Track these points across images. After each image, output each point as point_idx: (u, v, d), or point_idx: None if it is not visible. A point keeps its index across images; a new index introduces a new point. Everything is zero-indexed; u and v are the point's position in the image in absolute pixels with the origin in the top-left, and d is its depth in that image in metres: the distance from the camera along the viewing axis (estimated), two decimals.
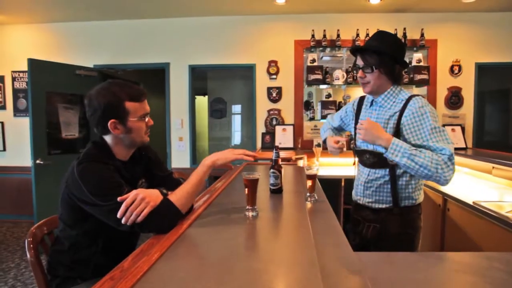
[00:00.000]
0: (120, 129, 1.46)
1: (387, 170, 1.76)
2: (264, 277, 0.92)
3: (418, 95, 1.72)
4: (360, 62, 1.76)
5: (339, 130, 2.21)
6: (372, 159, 1.80)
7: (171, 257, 1.06)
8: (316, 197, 1.79)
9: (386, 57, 1.69)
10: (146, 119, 1.53)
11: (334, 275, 0.92)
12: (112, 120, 1.43)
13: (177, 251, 1.11)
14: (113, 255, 1.41)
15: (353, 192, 1.99)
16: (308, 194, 1.78)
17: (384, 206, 1.79)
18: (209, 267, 0.99)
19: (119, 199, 1.28)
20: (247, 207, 1.46)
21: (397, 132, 1.70)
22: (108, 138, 1.51)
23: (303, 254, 1.05)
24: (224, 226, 1.35)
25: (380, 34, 1.77)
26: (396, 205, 1.77)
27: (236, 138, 5.92)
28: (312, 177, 1.78)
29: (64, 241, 1.48)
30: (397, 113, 1.71)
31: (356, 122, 1.93)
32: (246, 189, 1.45)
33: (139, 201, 1.29)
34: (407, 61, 4.37)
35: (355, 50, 1.80)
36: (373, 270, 1.01)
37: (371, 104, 1.86)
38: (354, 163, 2.01)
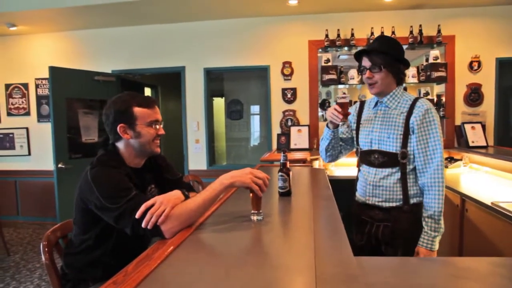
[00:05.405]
0: (129, 134, 1.53)
1: (397, 168, 1.77)
2: (259, 282, 0.94)
3: (422, 97, 1.83)
4: (366, 63, 1.79)
5: (342, 140, 2.06)
6: (381, 158, 1.81)
7: (173, 262, 1.09)
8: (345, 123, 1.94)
9: (391, 57, 1.76)
10: (157, 127, 1.58)
11: (331, 280, 0.93)
12: (121, 125, 1.52)
13: (179, 256, 1.13)
14: (124, 256, 1.44)
15: (358, 193, 1.98)
16: (341, 122, 1.83)
17: (394, 204, 1.79)
18: (207, 273, 1.01)
19: (143, 207, 1.31)
20: (252, 211, 1.48)
21: (406, 131, 1.75)
22: (120, 145, 1.58)
23: (302, 259, 1.06)
24: (228, 231, 1.37)
25: (382, 38, 1.92)
26: (407, 203, 1.78)
27: (255, 139, 5.94)
28: (344, 105, 1.81)
29: (76, 244, 1.54)
30: (405, 114, 1.77)
31: (359, 123, 1.97)
32: (251, 193, 1.47)
33: (159, 204, 1.32)
34: (424, 58, 4.35)
35: (362, 52, 1.84)
36: (372, 275, 1.00)
37: (375, 105, 1.89)
38: (357, 164, 2.00)
